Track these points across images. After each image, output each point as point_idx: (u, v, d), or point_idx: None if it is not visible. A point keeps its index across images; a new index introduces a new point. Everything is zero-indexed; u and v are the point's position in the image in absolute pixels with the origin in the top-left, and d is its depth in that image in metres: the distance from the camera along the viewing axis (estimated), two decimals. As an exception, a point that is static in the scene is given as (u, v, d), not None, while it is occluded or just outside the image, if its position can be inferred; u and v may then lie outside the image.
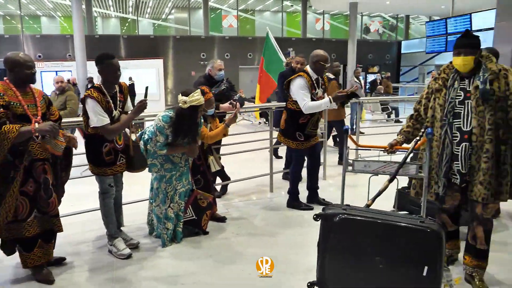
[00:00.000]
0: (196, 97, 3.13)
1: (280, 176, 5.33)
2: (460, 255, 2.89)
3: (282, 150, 5.89)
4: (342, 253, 2.17)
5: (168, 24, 21.84)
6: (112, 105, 2.98)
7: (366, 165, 2.65)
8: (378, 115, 12.64)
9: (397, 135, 2.84)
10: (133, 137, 3.27)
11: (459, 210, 2.79)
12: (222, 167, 4.73)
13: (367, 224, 2.12)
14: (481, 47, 2.49)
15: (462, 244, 2.84)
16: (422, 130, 2.68)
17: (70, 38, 15.82)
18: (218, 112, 4.08)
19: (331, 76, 6.24)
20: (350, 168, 2.69)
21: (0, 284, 2.80)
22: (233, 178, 4.83)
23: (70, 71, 15.34)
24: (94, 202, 3.34)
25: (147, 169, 3.35)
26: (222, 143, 4.75)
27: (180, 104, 3.16)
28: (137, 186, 4.07)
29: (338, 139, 7.21)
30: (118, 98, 3.05)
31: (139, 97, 3.25)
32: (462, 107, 2.47)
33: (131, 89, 13.41)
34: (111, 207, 3.19)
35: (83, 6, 16.76)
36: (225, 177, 4.75)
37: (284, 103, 4.23)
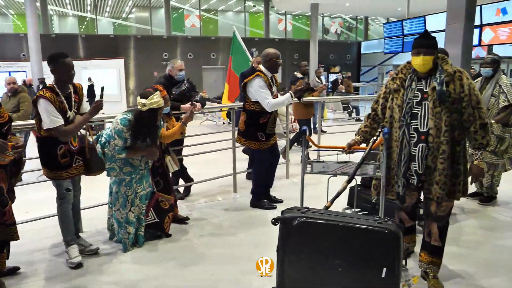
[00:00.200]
0: (156, 100, 3.08)
1: (244, 176, 5.34)
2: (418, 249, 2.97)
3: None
4: (301, 257, 2.14)
5: (129, 23, 21.33)
6: (66, 105, 2.87)
7: (324, 166, 2.66)
8: (340, 114, 12.95)
9: (355, 135, 2.84)
10: (91, 139, 3.17)
11: (416, 207, 2.85)
12: (185, 168, 4.69)
13: (325, 227, 2.09)
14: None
15: (420, 239, 2.92)
16: (379, 130, 2.69)
17: (24, 37, 15.12)
18: (177, 113, 4.03)
19: (299, 75, 6.37)
20: (308, 169, 2.69)
21: None
22: (197, 179, 4.80)
23: (25, 71, 14.65)
24: (51, 207, 3.22)
25: (105, 172, 3.26)
26: (186, 143, 4.71)
27: (139, 107, 3.10)
28: (96, 190, 3.96)
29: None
30: (72, 99, 2.95)
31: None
32: (419, 108, 2.48)
33: (90, 90, 13.11)
34: (69, 213, 3.08)
35: (38, 4, 16.05)
36: (188, 179, 4.70)
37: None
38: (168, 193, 3.58)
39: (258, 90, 3.90)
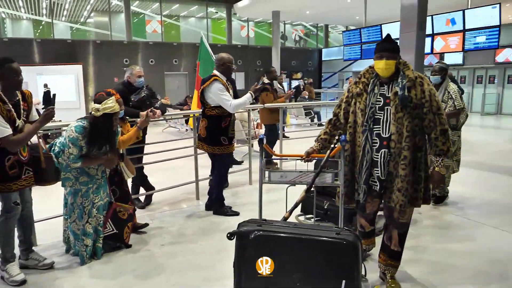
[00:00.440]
0: (110, 104, 3.00)
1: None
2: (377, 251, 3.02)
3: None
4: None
5: (88, 28, 20.70)
6: (15, 114, 2.74)
7: (282, 176, 2.60)
8: (302, 119, 13.16)
9: (315, 141, 2.79)
10: (45, 147, 3.05)
11: (376, 213, 2.82)
12: (146, 176, 4.60)
13: (283, 240, 2.02)
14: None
15: (378, 240, 3.00)
16: (337, 137, 2.67)
17: (-27, 41, 14.33)
18: (134, 120, 3.93)
19: (266, 81, 6.50)
20: (266, 179, 2.62)
21: None
22: (158, 187, 4.72)
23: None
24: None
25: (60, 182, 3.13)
26: (147, 151, 4.63)
27: (92, 112, 3.00)
28: (51, 201, 3.81)
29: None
30: (21, 107, 2.81)
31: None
32: (381, 113, 2.46)
33: (46, 97, 12.58)
34: (12, 228, 2.90)
35: (-12, 7, 15.28)
36: (149, 187, 4.62)
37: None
38: (125, 202, 3.48)
39: (218, 94, 3.93)
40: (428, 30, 9.01)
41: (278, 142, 6.42)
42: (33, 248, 3.18)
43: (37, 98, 11.30)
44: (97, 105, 2.99)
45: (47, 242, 3.52)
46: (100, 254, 3.23)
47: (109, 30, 18.90)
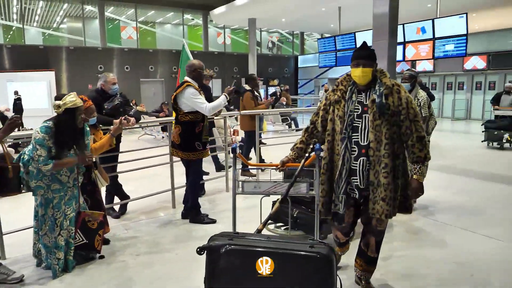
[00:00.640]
0: (70, 99, 2.93)
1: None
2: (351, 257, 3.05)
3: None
4: (230, 287, 1.99)
5: (60, 34, 20.27)
6: None
7: (256, 186, 2.54)
8: (279, 126, 13.26)
9: (290, 150, 2.75)
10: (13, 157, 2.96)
11: (353, 225, 2.75)
12: (120, 185, 4.54)
13: (255, 254, 1.94)
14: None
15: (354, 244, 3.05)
16: (311, 146, 2.62)
17: None
18: (107, 128, 3.88)
19: (248, 87, 6.58)
20: (239, 189, 2.56)
21: None
22: (134, 196, 4.66)
23: None
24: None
25: (31, 193, 3.04)
26: (122, 159, 4.56)
27: (55, 110, 2.93)
28: (20, 212, 3.70)
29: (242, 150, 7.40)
30: None
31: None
32: (360, 121, 2.44)
33: (17, 106, 12.22)
34: None
35: (-46, 11, 14.77)
36: (123, 196, 4.55)
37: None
38: (97, 211, 3.39)
39: (191, 99, 3.94)
40: (400, 38, 9.28)
41: (253, 149, 6.44)
42: (1, 261, 3.07)
43: (5, 105, 10.98)
44: (57, 102, 2.92)
45: (16, 255, 3.41)
46: (71, 267, 3.14)
47: (82, 36, 18.58)
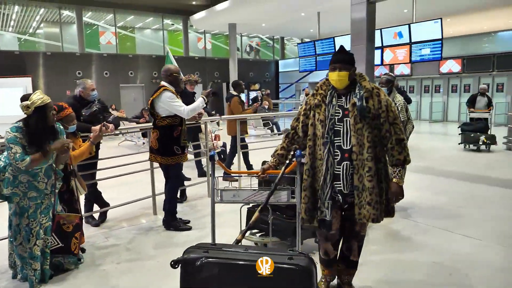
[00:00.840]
0: (37, 97, 2.87)
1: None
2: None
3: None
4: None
5: (37, 39, 19.86)
6: None
7: (235, 195, 2.48)
8: (261, 130, 13.28)
9: (271, 156, 2.71)
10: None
11: (341, 234, 2.68)
12: (100, 193, 4.46)
13: (231, 267, 1.88)
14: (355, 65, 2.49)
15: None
16: (292, 153, 2.55)
17: None
18: (86, 135, 3.80)
19: (234, 93, 6.60)
20: (218, 198, 2.50)
21: None
22: (114, 203, 4.58)
23: None
24: None
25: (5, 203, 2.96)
26: (101, 166, 4.48)
27: (24, 112, 2.86)
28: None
29: (223, 155, 7.37)
30: None
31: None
32: (341, 125, 2.43)
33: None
34: None
35: None
36: (103, 204, 4.47)
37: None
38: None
39: (168, 102, 3.91)
40: (378, 43, 9.44)
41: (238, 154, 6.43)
42: (-25, 274, 2.97)
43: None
44: (25, 102, 2.85)
45: (-9, 267, 3.31)
46: (48, 278, 3.04)
47: (60, 42, 18.25)
